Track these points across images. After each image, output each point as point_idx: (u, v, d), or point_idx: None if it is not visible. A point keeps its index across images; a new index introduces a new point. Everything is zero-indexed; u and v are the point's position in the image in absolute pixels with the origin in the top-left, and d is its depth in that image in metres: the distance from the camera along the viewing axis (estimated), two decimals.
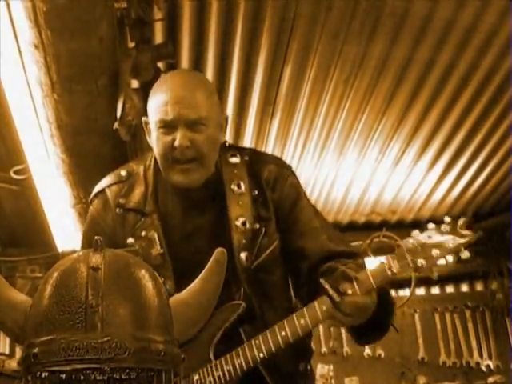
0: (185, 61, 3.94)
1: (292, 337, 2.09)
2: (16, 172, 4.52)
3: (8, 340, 5.94)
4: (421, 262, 2.09)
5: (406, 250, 2.09)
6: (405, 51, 4.02)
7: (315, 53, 3.98)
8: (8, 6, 2.65)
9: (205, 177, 2.18)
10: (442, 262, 2.09)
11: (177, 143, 2.10)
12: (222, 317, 2.11)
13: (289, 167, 2.37)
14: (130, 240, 2.19)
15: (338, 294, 2.02)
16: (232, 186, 2.22)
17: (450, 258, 2.09)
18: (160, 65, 3.41)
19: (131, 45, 3.24)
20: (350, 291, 2.02)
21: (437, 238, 2.12)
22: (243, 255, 2.17)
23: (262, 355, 2.09)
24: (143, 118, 2.25)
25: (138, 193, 2.25)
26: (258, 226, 2.20)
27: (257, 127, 4.68)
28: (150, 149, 2.29)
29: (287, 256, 2.27)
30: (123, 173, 2.30)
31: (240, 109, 4.45)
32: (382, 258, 2.10)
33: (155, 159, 2.24)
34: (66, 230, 4.44)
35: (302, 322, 2.09)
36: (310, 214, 2.30)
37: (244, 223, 2.19)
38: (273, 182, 2.26)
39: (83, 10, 2.60)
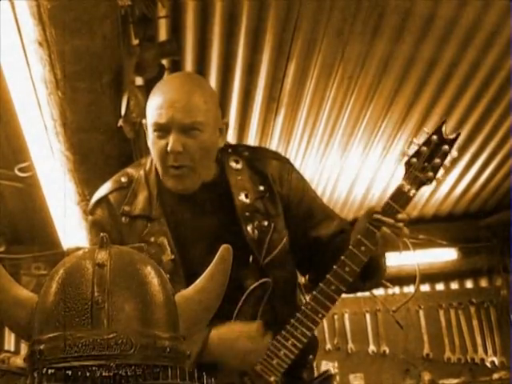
0: (189, 58, 3.95)
1: (344, 286, 2.10)
2: (20, 170, 4.53)
3: (13, 337, 5.97)
4: (430, 174, 2.16)
5: (415, 169, 2.15)
6: (408, 49, 4.02)
7: (319, 51, 3.98)
8: (12, 3, 2.66)
9: (198, 182, 2.15)
10: (441, 172, 2.18)
11: (169, 148, 2.07)
12: (256, 297, 2.13)
13: (289, 161, 2.37)
14: None
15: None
16: (240, 197, 2.19)
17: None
18: (164, 62, 3.41)
19: (135, 42, 3.23)
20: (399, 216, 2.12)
21: (430, 148, 2.18)
22: (249, 227, 2.17)
23: (321, 315, 2.11)
24: (143, 121, 2.21)
25: (142, 198, 2.20)
26: (266, 222, 2.19)
27: (261, 124, 4.68)
28: (149, 152, 2.27)
29: (302, 246, 2.27)
30: (123, 179, 2.24)
31: (244, 106, 4.46)
32: (396, 184, 2.18)
33: None
34: (70, 227, 4.44)
35: (348, 269, 2.10)
36: (320, 204, 2.34)
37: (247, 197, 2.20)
38: (278, 178, 2.25)
39: (87, 8, 2.60)
